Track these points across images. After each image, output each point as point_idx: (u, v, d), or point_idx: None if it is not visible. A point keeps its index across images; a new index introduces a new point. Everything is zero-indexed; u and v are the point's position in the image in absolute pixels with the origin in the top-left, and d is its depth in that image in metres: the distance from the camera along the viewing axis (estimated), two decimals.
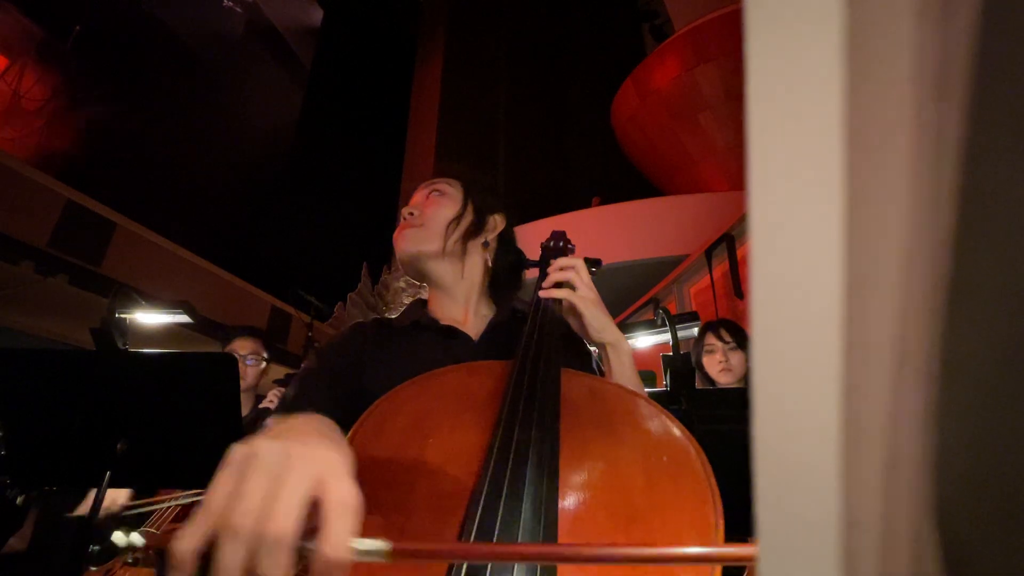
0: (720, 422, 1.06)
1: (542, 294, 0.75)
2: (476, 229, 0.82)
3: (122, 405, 0.99)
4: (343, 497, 0.32)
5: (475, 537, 0.39)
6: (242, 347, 1.83)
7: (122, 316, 1.85)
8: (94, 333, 1.58)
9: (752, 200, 0.17)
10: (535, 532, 0.39)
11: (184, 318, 2.07)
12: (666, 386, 1.22)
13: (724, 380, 1.75)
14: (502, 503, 0.41)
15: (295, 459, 0.34)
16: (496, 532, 0.39)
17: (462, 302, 0.81)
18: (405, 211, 0.81)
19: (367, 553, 0.30)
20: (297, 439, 0.36)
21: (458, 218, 0.81)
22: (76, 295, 4.74)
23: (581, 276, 0.75)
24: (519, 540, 0.39)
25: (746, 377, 1.76)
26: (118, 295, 1.84)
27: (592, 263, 0.81)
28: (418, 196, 0.85)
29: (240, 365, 1.72)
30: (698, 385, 1.78)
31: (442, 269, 0.80)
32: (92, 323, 1.62)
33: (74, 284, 4.69)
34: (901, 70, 0.16)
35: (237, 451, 0.35)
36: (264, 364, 1.87)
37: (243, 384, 1.74)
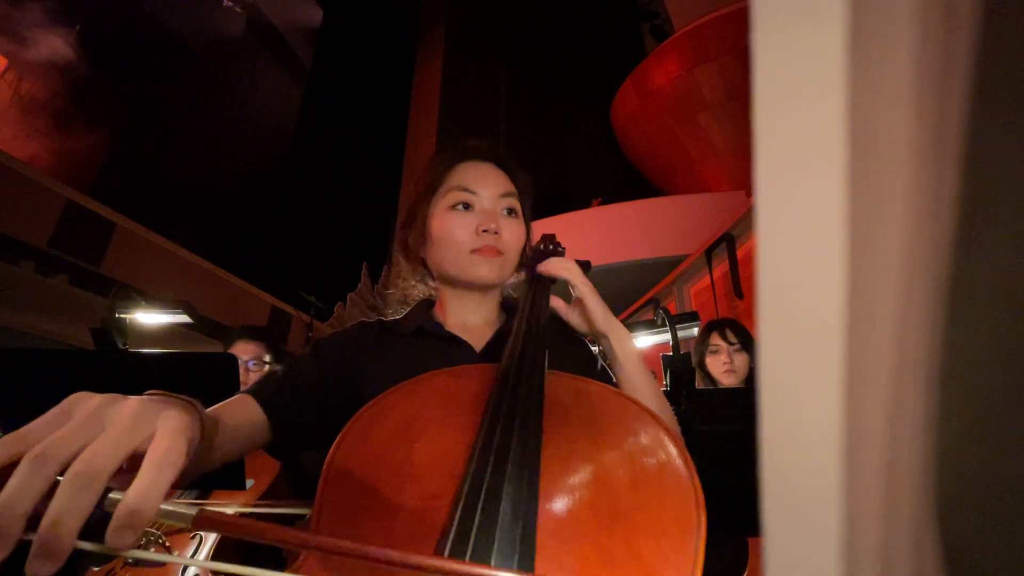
0: (720, 422, 1.06)
1: (542, 268, 0.75)
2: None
3: None
4: (166, 452, 0.31)
5: (453, 539, 0.39)
6: (244, 351, 1.73)
7: (122, 316, 1.84)
8: (94, 333, 1.58)
9: (759, 202, 0.17)
10: (514, 530, 0.40)
11: (184, 318, 2.06)
12: (666, 386, 1.22)
13: (728, 381, 1.74)
14: (481, 502, 0.41)
15: (132, 412, 0.33)
16: (474, 531, 0.39)
17: (482, 311, 0.79)
18: (487, 224, 0.72)
19: (171, 514, 0.30)
20: (144, 400, 0.35)
21: (527, 244, 0.80)
22: (76, 295, 4.74)
23: (578, 273, 0.76)
24: (497, 538, 0.39)
25: (747, 378, 1.76)
26: (118, 295, 1.83)
27: (581, 265, 0.80)
28: (488, 194, 0.74)
29: (241, 370, 1.68)
30: (699, 385, 1.78)
31: (494, 290, 0.80)
32: (92, 323, 1.62)
33: (74, 284, 4.69)
34: (903, 70, 0.16)
35: (73, 396, 0.34)
36: (267, 368, 1.76)
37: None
